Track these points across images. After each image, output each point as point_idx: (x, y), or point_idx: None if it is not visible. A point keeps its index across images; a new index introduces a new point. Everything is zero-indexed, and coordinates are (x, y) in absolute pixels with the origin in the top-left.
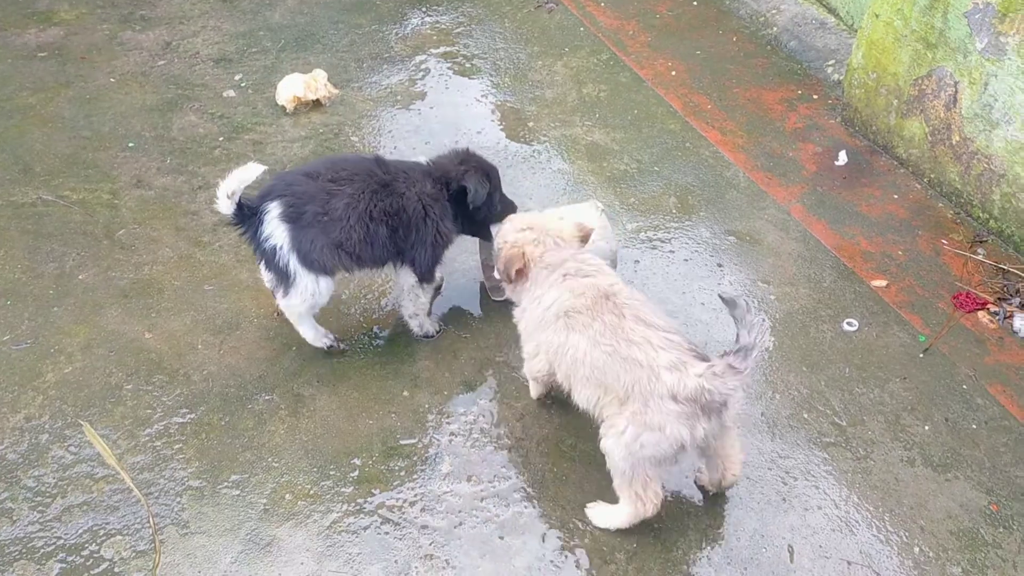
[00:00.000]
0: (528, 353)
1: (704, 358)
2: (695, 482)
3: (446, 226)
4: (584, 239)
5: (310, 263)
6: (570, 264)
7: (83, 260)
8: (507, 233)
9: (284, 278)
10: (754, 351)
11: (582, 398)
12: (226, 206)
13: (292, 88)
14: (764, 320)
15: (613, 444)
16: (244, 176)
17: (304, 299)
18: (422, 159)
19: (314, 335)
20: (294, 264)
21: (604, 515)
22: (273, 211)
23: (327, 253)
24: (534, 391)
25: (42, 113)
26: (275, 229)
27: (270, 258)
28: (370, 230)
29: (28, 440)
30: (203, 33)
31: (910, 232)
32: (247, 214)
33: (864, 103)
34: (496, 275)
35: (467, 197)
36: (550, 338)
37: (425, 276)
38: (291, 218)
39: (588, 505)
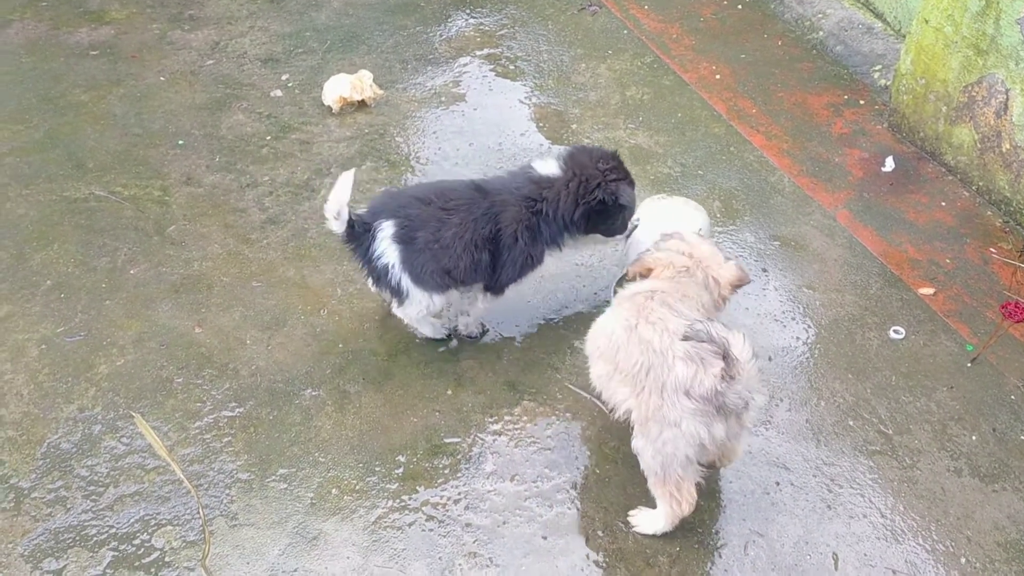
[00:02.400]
0: None
1: (727, 355)
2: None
3: (537, 250)
4: (736, 289)
5: (422, 282)
6: (667, 298)
7: (134, 255)
8: (665, 247)
9: (397, 294)
10: (733, 354)
11: (594, 373)
12: (336, 226)
13: (338, 88)
14: (718, 329)
15: (643, 443)
16: (342, 192)
17: (419, 310)
18: (551, 166)
19: (432, 330)
20: (406, 282)
21: (646, 521)
22: (386, 231)
23: (436, 278)
24: None
25: (94, 110)
26: (387, 248)
27: (381, 276)
28: (474, 258)
29: (81, 430)
30: (251, 33)
31: (958, 240)
32: (358, 231)
33: (912, 109)
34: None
35: (618, 208)
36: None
37: (497, 291)
38: (403, 240)
39: (631, 512)
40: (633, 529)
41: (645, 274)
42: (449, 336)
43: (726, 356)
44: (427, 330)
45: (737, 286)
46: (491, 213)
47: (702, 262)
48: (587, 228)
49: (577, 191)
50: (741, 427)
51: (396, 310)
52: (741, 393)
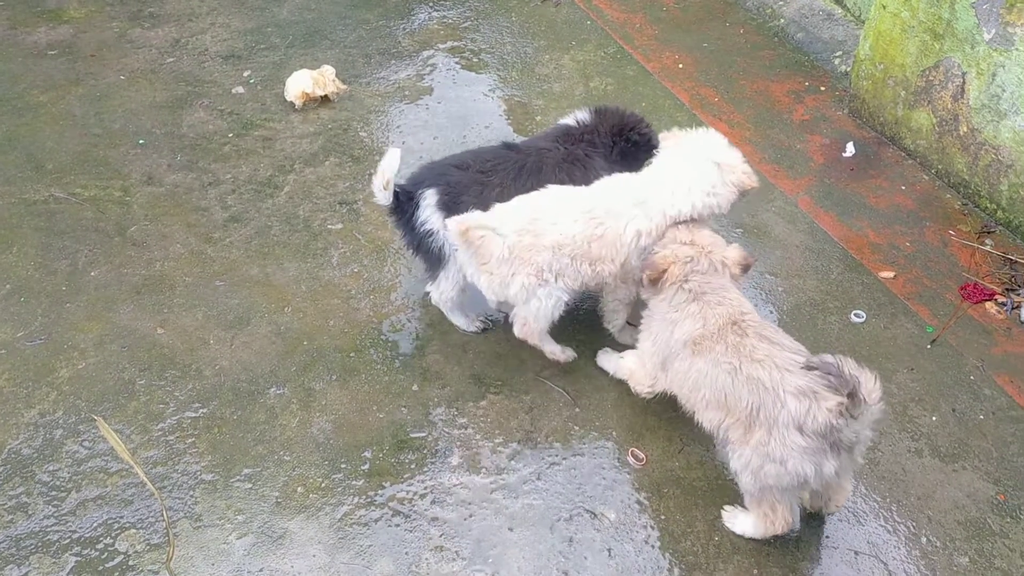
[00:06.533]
0: (644, 359)
1: (836, 387)
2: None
3: (591, 178)
4: (744, 270)
5: None
6: (710, 296)
7: (95, 257)
8: (668, 242)
9: (436, 262)
10: (861, 395)
11: (705, 420)
12: (384, 197)
13: (300, 84)
14: (841, 361)
15: (740, 468)
16: (390, 165)
17: (455, 281)
18: (583, 115)
19: (466, 321)
20: (449, 247)
21: (738, 521)
22: (430, 199)
23: None
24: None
25: (53, 111)
26: (431, 215)
27: (423, 242)
28: None
29: (43, 435)
30: (212, 30)
31: (918, 223)
32: (402, 200)
33: (872, 94)
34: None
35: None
36: (676, 366)
37: None
38: (447, 206)
39: (726, 507)
40: (724, 524)
41: (657, 276)
42: (484, 329)
43: (852, 395)
44: (460, 320)
45: (745, 267)
46: (531, 166)
47: (704, 248)
48: (621, 166)
49: (612, 131)
50: (853, 461)
51: (434, 293)
52: (858, 430)
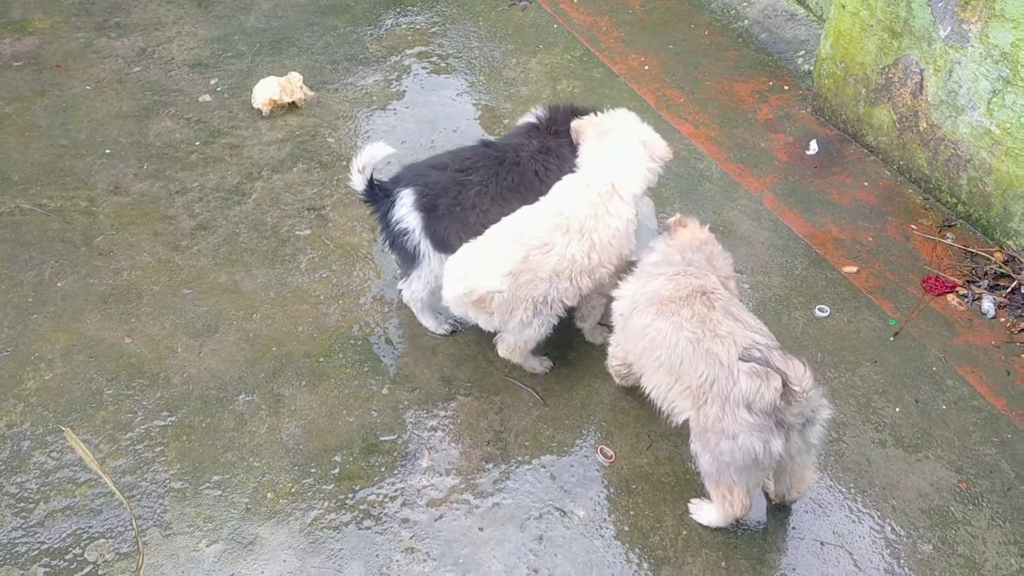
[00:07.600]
0: (615, 342)
1: (785, 385)
2: (761, 488)
3: (568, 165)
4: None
5: (445, 247)
6: (694, 270)
7: (62, 267)
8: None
9: (411, 260)
10: (791, 385)
11: (652, 383)
12: (358, 181)
13: (267, 91)
14: (777, 358)
15: (700, 447)
16: (374, 152)
17: (427, 282)
18: (539, 111)
19: (435, 323)
20: (425, 246)
21: (703, 513)
22: (407, 198)
23: (464, 238)
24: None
25: (18, 122)
26: (407, 214)
27: (398, 239)
28: (504, 209)
29: (10, 447)
30: (178, 39)
31: (880, 218)
32: (379, 195)
33: (833, 92)
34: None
35: None
36: (636, 321)
37: None
38: (425, 207)
39: (692, 501)
40: (691, 516)
41: (683, 223)
42: (453, 332)
43: (784, 385)
44: (430, 322)
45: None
46: (510, 160)
47: (708, 244)
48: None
49: (570, 120)
50: (807, 444)
51: (405, 292)
52: (802, 411)
